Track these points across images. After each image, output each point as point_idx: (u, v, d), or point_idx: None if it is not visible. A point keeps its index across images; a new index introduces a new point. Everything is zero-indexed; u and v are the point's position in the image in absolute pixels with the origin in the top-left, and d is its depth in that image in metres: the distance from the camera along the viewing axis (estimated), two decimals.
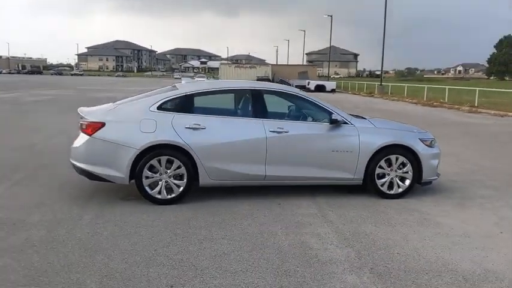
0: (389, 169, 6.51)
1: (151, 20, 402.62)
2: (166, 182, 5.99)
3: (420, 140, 6.65)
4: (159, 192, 5.98)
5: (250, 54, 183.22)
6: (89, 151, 5.92)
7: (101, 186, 6.69)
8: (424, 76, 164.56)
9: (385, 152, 6.44)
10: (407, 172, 6.55)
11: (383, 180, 6.50)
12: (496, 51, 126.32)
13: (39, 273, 3.96)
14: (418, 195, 6.69)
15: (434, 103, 28.26)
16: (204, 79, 8.44)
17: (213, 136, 6.06)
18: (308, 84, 46.56)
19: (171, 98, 6.21)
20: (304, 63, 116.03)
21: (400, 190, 6.56)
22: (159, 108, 6.09)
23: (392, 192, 6.53)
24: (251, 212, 5.78)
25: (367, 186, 6.53)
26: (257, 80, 50.48)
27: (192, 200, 6.15)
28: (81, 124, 6.05)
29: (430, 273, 4.12)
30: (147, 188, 5.95)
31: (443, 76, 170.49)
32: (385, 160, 6.47)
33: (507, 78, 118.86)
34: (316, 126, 6.42)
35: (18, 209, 5.71)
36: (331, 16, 58.07)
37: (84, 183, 6.80)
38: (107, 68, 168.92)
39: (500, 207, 6.29)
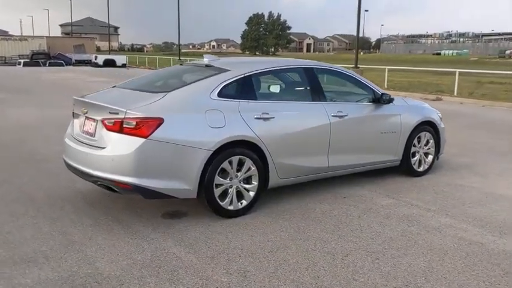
0: (418, 146, 6.41)
1: None
2: (237, 188, 4.72)
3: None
4: (231, 202, 4.69)
5: None
6: (146, 159, 4.21)
7: (94, 202, 4.95)
8: (182, 51, 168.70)
9: (418, 129, 6.30)
10: (429, 148, 6.55)
11: (415, 158, 6.37)
12: (247, 27, 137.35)
13: None
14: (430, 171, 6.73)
15: None
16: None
17: (282, 126, 5.00)
18: (95, 59, 42.99)
19: (229, 81, 4.84)
20: (60, 35, 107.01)
21: (426, 166, 6.53)
22: (220, 94, 4.71)
23: (421, 169, 6.46)
24: (343, 211, 4.98)
25: (402, 166, 6.30)
26: (33, 54, 44.32)
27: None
28: (120, 122, 4.24)
29: None
30: (218, 199, 4.60)
31: (201, 51, 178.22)
32: (417, 138, 6.34)
33: (258, 53, 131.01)
34: (368, 108, 5.86)
35: (48, 252, 3.78)
36: None
37: (63, 200, 4.97)
38: None
39: (508, 170, 6.83)
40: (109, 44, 62.49)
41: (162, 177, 4.29)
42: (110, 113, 4.32)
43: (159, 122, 4.23)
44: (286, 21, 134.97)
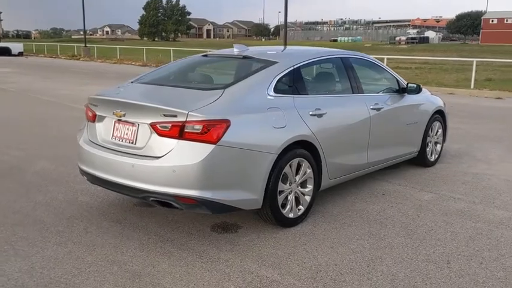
0: (431, 136, 6.30)
1: None
2: (296, 193, 4.25)
3: None
4: (291, 210, 4.21)
5: None
6: (214, 168, 3.57)
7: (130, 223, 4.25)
8: (72, 37, 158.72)
9: (432, 119, 6.19)
10: (438, 137, 6.48)
11: (428, 148, 6.25)
12: (145, 13, 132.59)
13: None
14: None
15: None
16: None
17: (333, 123, 4.58)
18: None
19: (282, 74, 4.28)
20: None
21: (436, 156, 6.47)
22: (276, 90, 4.17)
23: (432, 159, 6.38)
24: (396, 210, 4.69)
25: (419, 157, 6.15)
26: None
27: None
28: (181, 126, 3.55)
29: None
30: (280, 208, 4.10)
31: (94, 37, 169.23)
32: (431, 127, 6.24)
33: (157, 39, 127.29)
34: (397, 98, 5.58)
35: None
36: None
37: (78, 219, 4.23)
38: None
39: (506, 155, 6.98)
40: (1, 30, 56.99)
41: (228, 188, 3.69)
42: (165, 115, 3.60)
43: (226, 124, 3.61)
44: (185, 6, 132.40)
